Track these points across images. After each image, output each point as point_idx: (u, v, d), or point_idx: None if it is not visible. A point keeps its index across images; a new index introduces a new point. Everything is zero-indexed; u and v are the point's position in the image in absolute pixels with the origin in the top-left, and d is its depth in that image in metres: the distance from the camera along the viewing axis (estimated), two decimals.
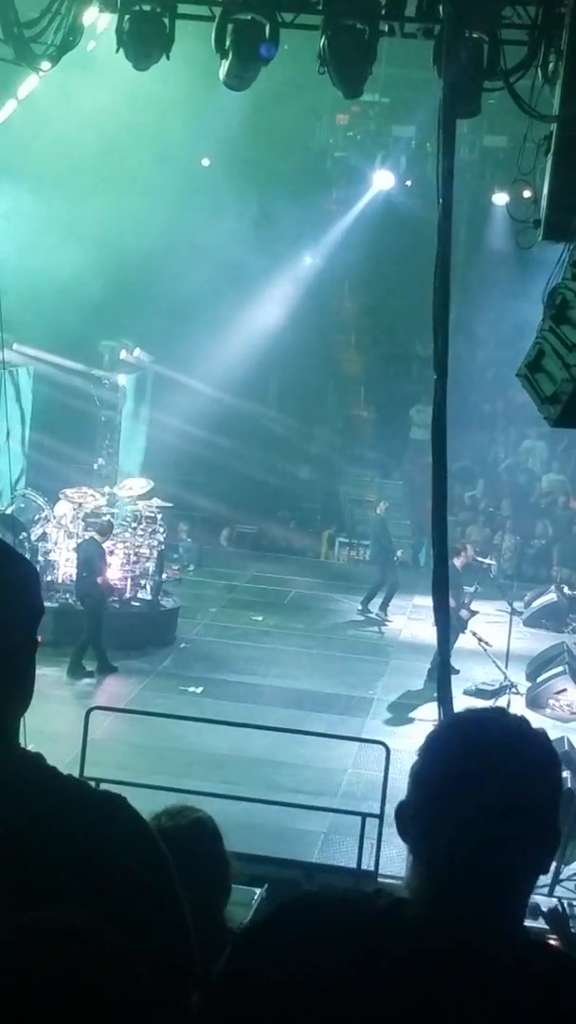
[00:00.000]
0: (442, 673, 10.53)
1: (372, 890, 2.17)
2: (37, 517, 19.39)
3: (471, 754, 2.08)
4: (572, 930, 8.80)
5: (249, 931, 2.16)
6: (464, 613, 17.20)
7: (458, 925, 2.04)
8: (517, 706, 15.57)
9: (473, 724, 2.16)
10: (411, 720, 15.86)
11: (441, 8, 10.68)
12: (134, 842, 2.24)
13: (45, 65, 11.53)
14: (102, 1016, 1.72)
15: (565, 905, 10.08)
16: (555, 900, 10.31)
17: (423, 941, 2.04)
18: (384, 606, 20.98)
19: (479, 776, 2.05)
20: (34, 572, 2.41)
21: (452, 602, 13.57)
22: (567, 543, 24.90)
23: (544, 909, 8.93)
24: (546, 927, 8.48)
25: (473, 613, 17.72)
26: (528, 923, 8.41)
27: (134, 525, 19.66)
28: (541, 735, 2.14)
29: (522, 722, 2.14)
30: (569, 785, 12.43)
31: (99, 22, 13.02)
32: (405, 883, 2.13)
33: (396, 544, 22.55)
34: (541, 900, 10.26)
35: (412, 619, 20.46)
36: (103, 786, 2.39)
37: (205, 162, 24.30)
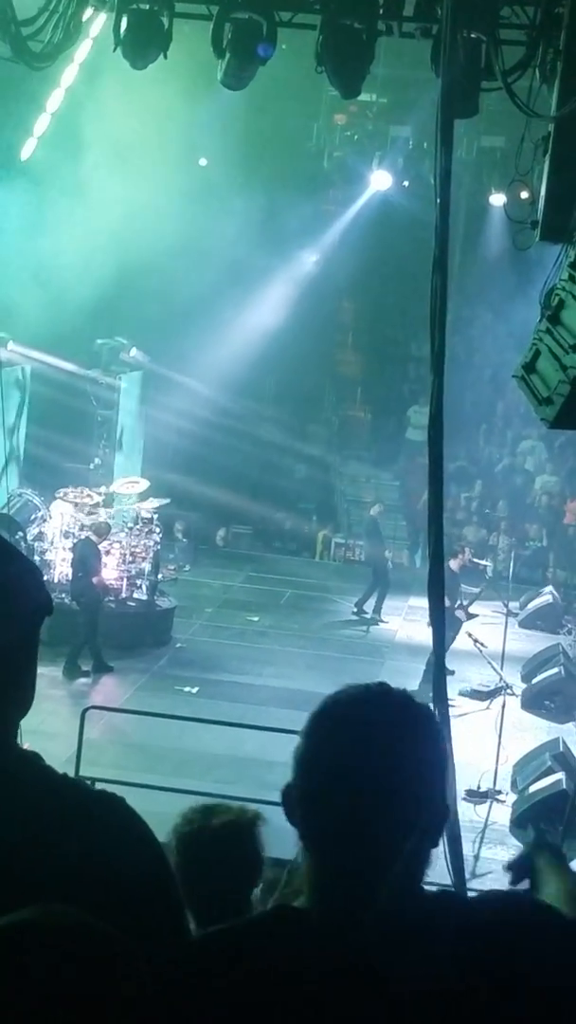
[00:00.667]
0: (437, 674, 10.50)
1: (271, 908, 2.16)
2: (33, 517, 19.38)
3: (350, 732, 2.06)
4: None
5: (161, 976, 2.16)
6: (460, 613, 17.18)
7: (345, 914, 2.02)
8: (513, 707, 15.57)
9: (353, 702, 2.12)
10: None
11: (439, 8, 10.67)
12: (131, 843, 2.23)
13: (43, 63, 11.52)
14: (93, 1009, 1.70)
15: None
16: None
17: (311, 940, 2.02)
18: (377, 607, 20.97)
19: (358, 754, 2.03)
20: (30, 568, 2.38)
21: (447, 602, 13.55)
22: (563, 545, 24.91)
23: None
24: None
25: (471, 616, 17.70)
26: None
27: (130, 525, 19.64)
28: (423, 710, 2.12)
29: (404, 696, 2.12)
30: (564, 787, 12.46)
31: (95, 23, 13.01)
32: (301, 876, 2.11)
33: (391, 545, 22.53)
34: None
35: (408, 620, 20.45)
36: (99, 785, 2.38)
37: (202, 162, 24.29)
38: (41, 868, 2.09)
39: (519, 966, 2.01)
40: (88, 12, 11.94)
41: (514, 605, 20.24)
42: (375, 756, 2.03)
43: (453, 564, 17.50)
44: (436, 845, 2.12)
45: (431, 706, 2.19)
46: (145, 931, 2.04)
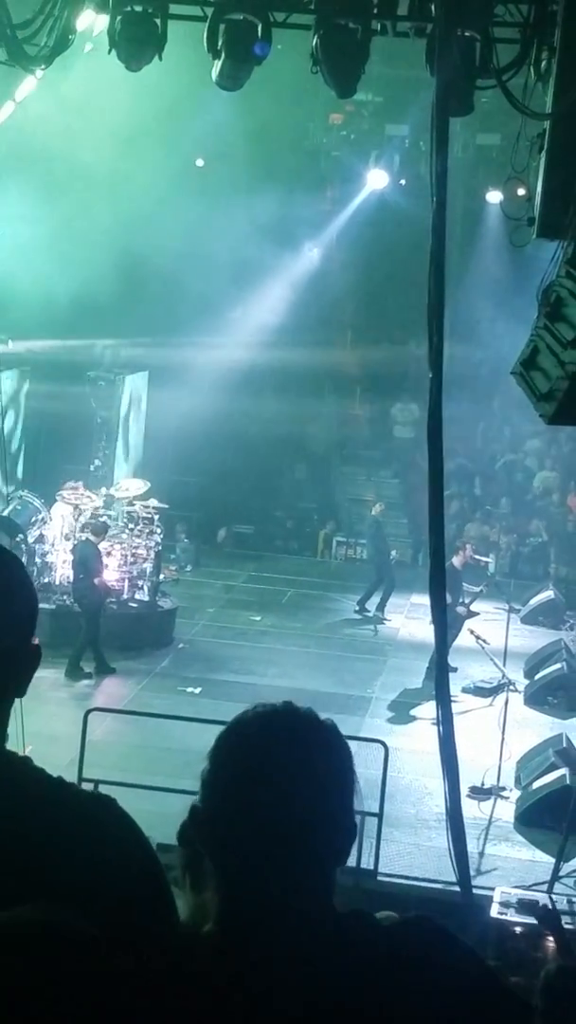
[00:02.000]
0: (440, 671, 10.54)
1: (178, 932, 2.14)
2: (34, 519, 19.37)
3: (255, 753, 2.08)
4: (567, 925, 8.80)
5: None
6: (461, 609, 17.19)
7: (248, 932, 2.02)
8: (516, 704, 15.59)
9: (258, 722, 2.13)
10: (410, 718, 15.87)
11: (433, 7, 10.69)
12: (122, 844, 2.24)
13: (39, 67, 11.53)
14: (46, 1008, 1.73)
15: (559, 902, 10.08)
16: (548, 898, 10.33)
17: (213, 964, 2.01)
18: (381, 606, 20.99)
19: (262, 775, 2.04)
20: (25, 572, 2.38)
21: (449, 599, 13.55)
22: (563, 540, 24.92)
23: (537, 907, 8.95)
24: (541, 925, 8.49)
25: (473, 614, 17.71)
26: (527, 920, 8.36)
27: (131, 526, 19.65)
28: (329, 729, 2.13)
29: (310, 716, 2.13)
30: (568, 783, 12.47)
31: (95, 24, 12.99)
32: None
33: (393, 543, 22.56)
34: (540, 897, 10.29)
35: (410, 618, 20.46)
36: (102, 787, 2.39)
37: (200, 163, 24.30)
38: (31, 870, 2.10)
39: (416, 989, 2.01)
40: (88, 16, 11.92)
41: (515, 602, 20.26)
42: (279, 777, 2.04)
43: (455, 561, 17.52)
44: (342, 864, 2.12)
45: (334, 723, 2.17)
46: (135, 930, 2.06)
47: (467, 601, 17.92)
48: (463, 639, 16.69)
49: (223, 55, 11.48)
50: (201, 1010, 1.97)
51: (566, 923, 8.71)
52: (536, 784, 12.98)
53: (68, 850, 2.14)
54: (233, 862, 2.07)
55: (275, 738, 2.09)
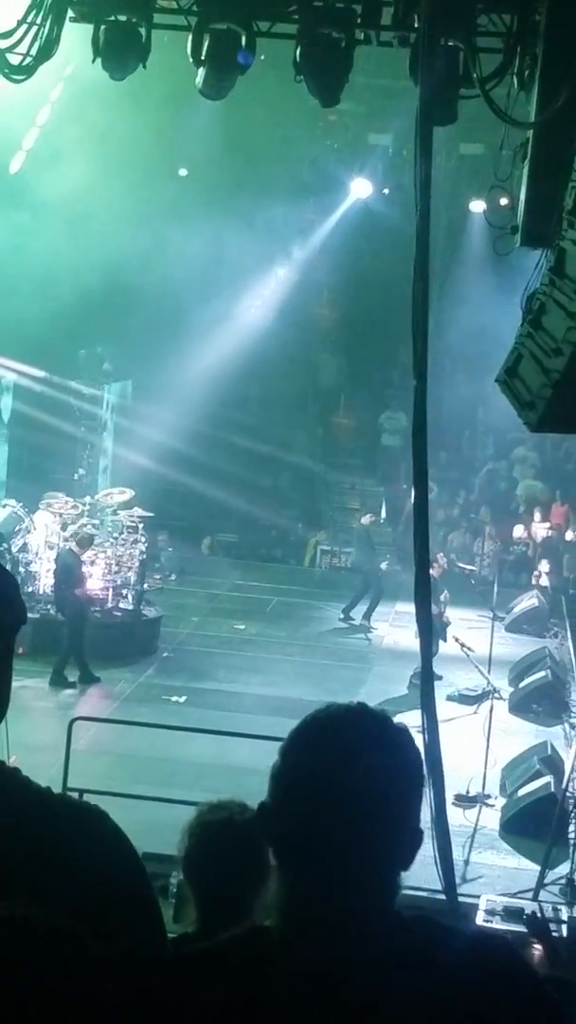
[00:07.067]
0: (425, 679, 10.54)
1: (245, 928, 2.15)
2: (18, 528, 19.33)
3: (326, 751, 2.07)
4: (554, 934, 8.80)
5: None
6: (445, 618, 17.21)
7: (318, 931, 2.02)
8: (500, 711, 15.59)
9: (331, 721, 2.13)
10: None
11: (417, 17, 10.72)
12: (109, 853, 2.24)
13: (22, 77, 11.50)
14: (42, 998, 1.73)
15: (544, 909, 10.08)
16: (537, 905, 10.32)
17: (284, 961, 2.02)
18: (368, 614, 20.98)
19: (333, 773, 2.03)
20: (11, 581, 2.40)
21: (434, 608, 13.57)
22: (547, 548, 24.94)
23: (525, 915, 8.94)
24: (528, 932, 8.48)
25: (447, 622, 17.71)
26: (513, 928, 8.35)
27: (115, 535, 19.61)
28: (401, 731, 2.13)
29: (382, 716, 2.13)
30: (552, 790, 12.48)
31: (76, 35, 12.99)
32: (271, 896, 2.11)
33: (380, 552, 22.57)
34: (526, 904, 10.29)
35: (395, 626, 20.46)
36: (87, 797, 2.38)
37: (182, 172, 24.32)
38: (19, 877, 2.10)
39: (488, 1012, 2.01)
40: (67, 24, 11.90)
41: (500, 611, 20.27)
42: (352, 775, 2.03)
43: (433, 572, 17.52)
44: (407, 868, 2.11)
45: (415, 719, 2.17)
46: (122, 941, 2.06)
47: (442, 609, 17.94)
48: (448, 647, 16.70)
49: (207, 64, 11.50)
50: (270, 1004, 1.98)
51: (552, 931, 8.71)
52: (521, 792, 12.99)
53: (53, 858, 2.14)
54: (297, 860, 2.07)
55: (344, 736, 2.09)
